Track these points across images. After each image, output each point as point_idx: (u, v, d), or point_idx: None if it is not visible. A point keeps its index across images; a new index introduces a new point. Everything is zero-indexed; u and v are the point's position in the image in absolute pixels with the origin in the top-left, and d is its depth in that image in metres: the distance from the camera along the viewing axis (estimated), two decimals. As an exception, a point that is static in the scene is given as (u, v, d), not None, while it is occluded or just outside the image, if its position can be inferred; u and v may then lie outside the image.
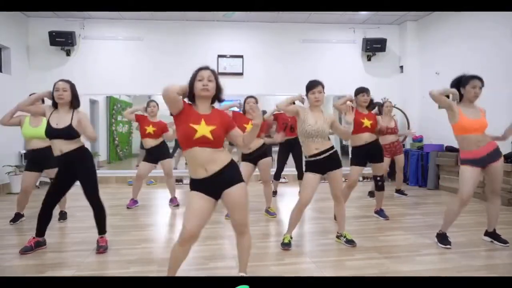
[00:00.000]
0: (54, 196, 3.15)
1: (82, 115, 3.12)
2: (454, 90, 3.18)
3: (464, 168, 3.18)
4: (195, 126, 2.06)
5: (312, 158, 3.14)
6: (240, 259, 2.34)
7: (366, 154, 4.04)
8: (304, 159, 3.28)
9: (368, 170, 4.52)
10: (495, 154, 3.17)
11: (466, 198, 3.14)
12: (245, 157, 4.26)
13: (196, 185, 2.16)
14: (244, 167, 4.19)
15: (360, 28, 7.63)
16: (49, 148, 3.38)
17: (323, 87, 3.12)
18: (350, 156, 4.28)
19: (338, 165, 3.19)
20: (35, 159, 3.96)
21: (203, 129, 2.07)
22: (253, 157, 4.24)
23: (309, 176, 3.15)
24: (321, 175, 3.18)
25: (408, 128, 7.16)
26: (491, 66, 5.44)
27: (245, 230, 2.25)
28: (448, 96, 3.17)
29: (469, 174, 3.14)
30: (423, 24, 7.39)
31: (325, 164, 3.14)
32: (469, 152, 3.15)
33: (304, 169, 3.30)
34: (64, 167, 3.08)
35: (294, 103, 3.22)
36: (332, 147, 3.18)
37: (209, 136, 2.07)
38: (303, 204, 3.17)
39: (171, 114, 2.15)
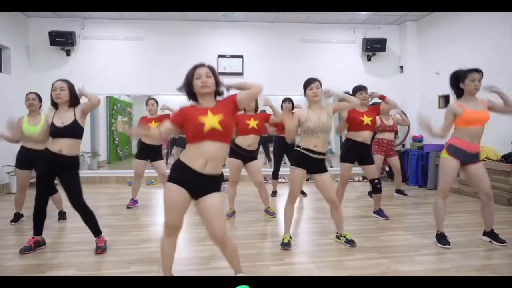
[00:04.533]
0: (43, 189, 3.16)
1: (82, 104, 3.19)
2: (428, 122, 3.20)
3: (447, 160, 3.21)
4: (203, 119, 2.08)
5: (305, 151, 3.13)
6: (232, 265, 2.31)
7: (357, 153, 4.05)
8: (295, 148, 3.24)
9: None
10: (476, 156, 3.22)
11: (448, 190, 3.24)
12: (235, 153, 4.18)
13: (179, 175, 2.13)
14: (233, 163, 4.19)
15: (360, 28, 7.63)
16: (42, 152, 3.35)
17: (320, 83, 3.14)
18: (341, 152, 4.24)
19: (325, 170, 3.21)
20: (27, 158, 3.95)
21: (211, 121, 2.08)
22: (244, 156, 4.18)
23: (297, 172, 3.16)
24: (306, 173, 3.19)
25: (408, 130, 7.15)
26: (491, 66, 5.43)
27: (225, 239, 2.19)
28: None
29: (451, 167, 3.19)
30: (423, 24, 7.39)
31: (314, 164, 3.15)
32: (461, 141, 3.17)
33: (291, 163, 3.29)
34: (51, 164, 3.08)
35: (293, 111, 3.22)
36: (325, 154, 3.21)
37: (218, 127, 2.08)
38: (294, 198, 3.25)
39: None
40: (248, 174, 4.31)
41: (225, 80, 2.30)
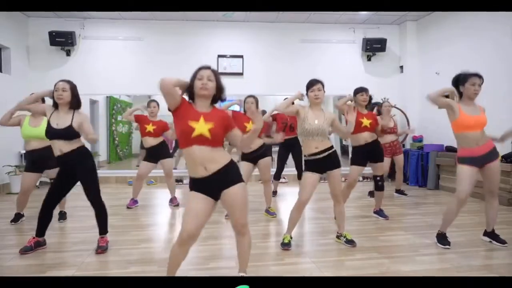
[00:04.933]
0: (55, 196, 3.14)
1: (83, 118, 3.09)
2: (452, 88, 3.18)
3: (461, 167, 3.16)
4: (194, 124, 2.06)
5: (312, 157, 3.14)
6: (241, 259, 2.34)
7: (366, 154, 4.05)
8: (303, 158, 3.28)
9: (368, 170, 4.50)
10: (492, 154, 3.17)
11: (464, 198, 3.14)
12: (245, 157, 4.28)
13: (196, 185, 2.16)
14: (244, 167, 4.20)
15: (360, 28, 7.63)
16: (48, 148, 3.36)
17: (323, 85, 3.14)
18: (350, 156, 4.28)
19: (337, 165, 3.19)
20: (34, 160, 3.93)
21: (202, 127, 2.06)
22: (253, 157, 4.25)
23: (308, 176, 3.16)
24: (320, 175, 3.19)
25: (408, 126, 7.15)
26: (491, 66, 5.44)
27: (244, 230, 2.25)
28: (447, 96, 3.17)
29: (466, 173, 3.13)
30: (423, 24, 7.39)
31: (324, 163, 3.14)
32: (468, 149, 3.14)
33: (303, 169, 3.30)
34: (65, 168, 3.08)
35: (293, 103, 3.21)
36: (332, 147, 3.18)
37: (207, 134, 2.07)
38: (302, 203, 3.19)
39: (169, 109, 2.15)
40: (259, 170, 4.37)
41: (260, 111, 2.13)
